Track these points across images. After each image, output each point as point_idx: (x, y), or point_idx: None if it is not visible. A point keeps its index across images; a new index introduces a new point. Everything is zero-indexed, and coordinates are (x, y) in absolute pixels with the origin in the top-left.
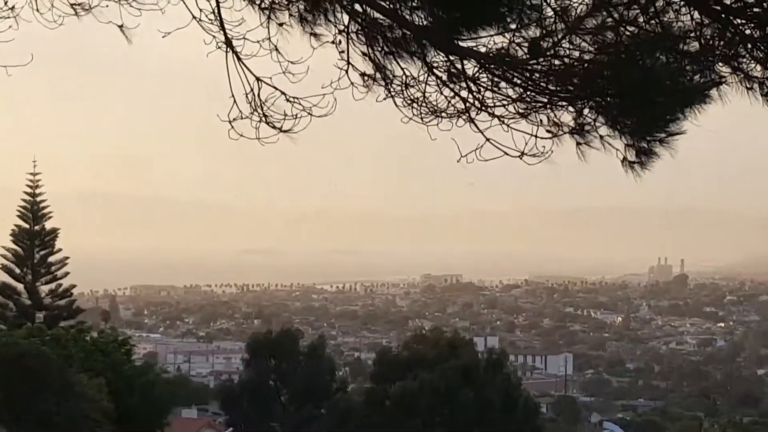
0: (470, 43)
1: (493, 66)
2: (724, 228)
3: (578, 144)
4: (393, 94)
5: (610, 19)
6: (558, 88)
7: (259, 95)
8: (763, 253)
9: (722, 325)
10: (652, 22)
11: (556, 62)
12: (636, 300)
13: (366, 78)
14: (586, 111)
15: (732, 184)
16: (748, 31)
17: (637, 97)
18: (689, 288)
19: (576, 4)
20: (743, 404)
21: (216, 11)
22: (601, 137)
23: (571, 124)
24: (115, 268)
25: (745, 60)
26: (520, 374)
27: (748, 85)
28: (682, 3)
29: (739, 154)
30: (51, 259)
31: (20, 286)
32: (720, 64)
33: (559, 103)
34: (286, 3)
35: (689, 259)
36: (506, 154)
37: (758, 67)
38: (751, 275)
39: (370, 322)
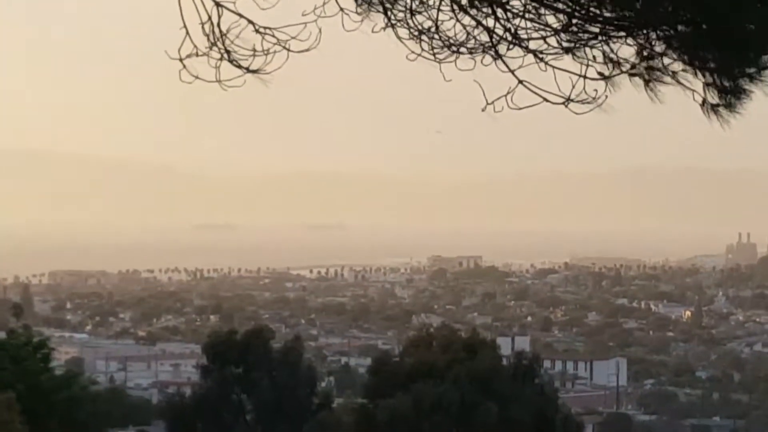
0: None
1: None
2: None
3: (647, 82)
4: (395, 22)
5: None
6: (615, 14)
7: (219, 25)
8: None
9: None
10: None
11: None
12: (710, 289)
13: (360, 1)
14: (651, 43)
15: None
16: None
17: (720, 24)
18: None
19: None
20: None
21: None
22: (673, 74)
23: (632, 60)
24: (29, 249)
25: None
26: (559, 385)
27: None
28: None
29: None
30: None
31: None
32: None
33: (616, 34)
34: None
35: None
36: (546, 100)
37: None
38: None
39: (361, 318)
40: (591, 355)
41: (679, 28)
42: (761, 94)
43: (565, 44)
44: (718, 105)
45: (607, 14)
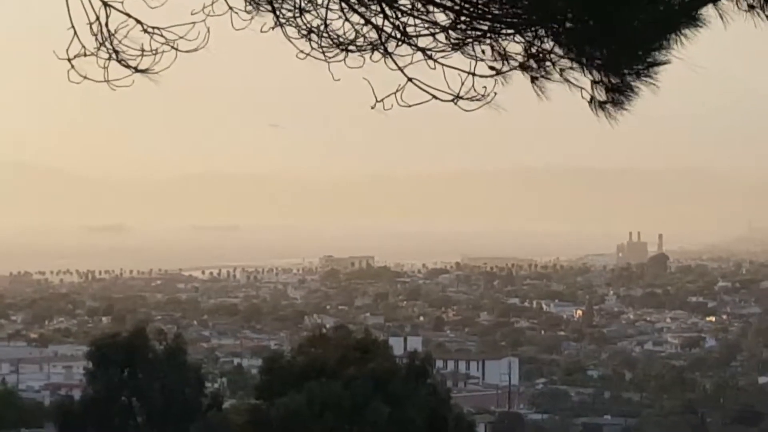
0: None
1: None
2: (714, 195)
3: (534, 79)
4: (284, 21)
5: None
6: (503, 12)
7: (107, 24)
8: (764, 227)
9: (713, 319)
10: None
11: None
12: (601, 288)
13: (249, 0)
14: (538, 41)
15: (726, 140)
16: None
17: (607, 21)
18: (670, 272)
19: None
20: (739, 421)
21: None
22: (561, 71)
23: (520, 58)
24: None
25: None
26: (451, 385)
27: (750, 2)
28: None
29: (736, 101)
30: None
31: None
32: None
33: (504, 31)
34: None
35: (669, 235)
36: (435, 97)
37: None
38: (750, 255)
39: (254, 318)
40: (483, 355)
41: (567, 25)
42: (650, 94)
43: (453, 42)
44: (605, 102)
45: (496, 11)
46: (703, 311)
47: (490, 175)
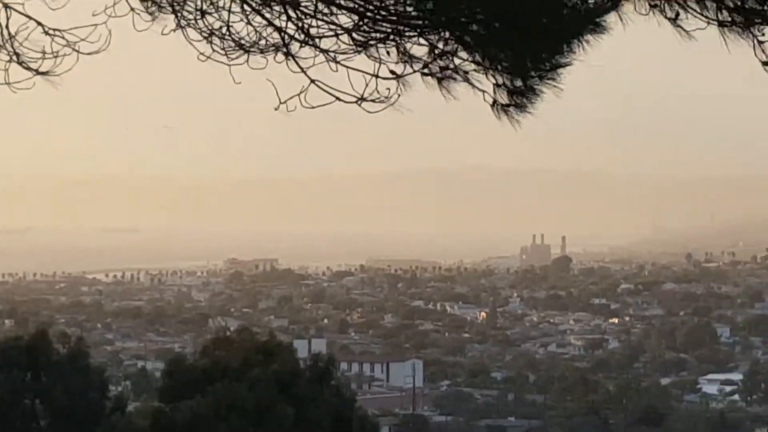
0: None
1: None
2: (617, 198)
3: (440, 80)
4: (185, 23)
5: None
6: (406, 13)
7: (7, 27)
8: (666, 229)
9: (616, 321)
10: None
11: None
12: (504, 290)
13: (149, 3)
14: (442, 43)
15: (628, 141)
16: None
17: (511, 24)
18: (573, 274)
19: None
20: (643, 422)
21: None
22: (465, 74)
23: (425, 59)
24: None
25: None
26: (355, 387)
27: (652, 2)
28: None
29: (637, 101)
30: None
31: None
32: None
33: (408, 33)
34: None
35: (573, 238)
36: (339, 99)
37: None
38: (653, 257)
39: (158, 321)
40: (387, 357)
41: (473, 27)
42: (554, 95)
43: (357, 43)
44: (508, 105)
45: (400, 14)
46: (606, 313)
47: (394, 177)
